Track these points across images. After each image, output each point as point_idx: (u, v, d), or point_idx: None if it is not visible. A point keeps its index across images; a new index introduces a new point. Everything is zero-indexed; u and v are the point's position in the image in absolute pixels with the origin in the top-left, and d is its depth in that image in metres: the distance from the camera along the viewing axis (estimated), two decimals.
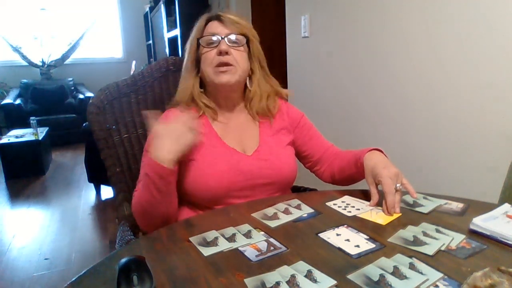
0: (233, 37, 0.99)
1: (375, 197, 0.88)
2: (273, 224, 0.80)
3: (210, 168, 0.95)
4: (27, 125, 3.99)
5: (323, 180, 1.13)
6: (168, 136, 0.88)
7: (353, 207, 0.87)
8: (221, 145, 0.99)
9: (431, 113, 1.39)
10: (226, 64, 0.97)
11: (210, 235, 0.76)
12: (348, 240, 0.72)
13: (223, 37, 0.97)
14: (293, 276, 0.61)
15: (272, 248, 0.70)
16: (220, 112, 1.05)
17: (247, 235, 0.75)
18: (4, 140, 3.68)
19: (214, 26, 1.00)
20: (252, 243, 0.72)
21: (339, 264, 0.64)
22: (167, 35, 4.29)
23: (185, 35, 3.68)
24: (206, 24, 1.02)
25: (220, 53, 0.96)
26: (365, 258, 0.66)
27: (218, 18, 1.00)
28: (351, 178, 1.03)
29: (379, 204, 0.87)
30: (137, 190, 0.97)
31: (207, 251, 0.69)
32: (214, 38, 0.98)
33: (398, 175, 0.86)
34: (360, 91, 1.77)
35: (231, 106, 1.05)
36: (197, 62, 1.03)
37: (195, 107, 1.03)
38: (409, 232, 0.74)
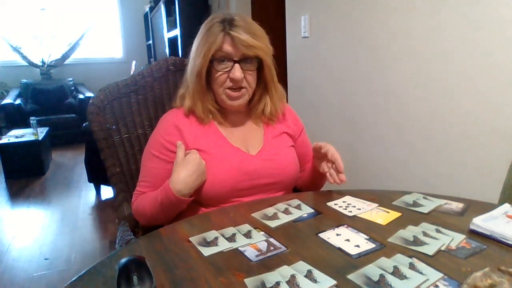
0: (247, 61, 0.95)
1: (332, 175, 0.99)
2: (273, 224, 0.80)
3: (215, 167, 0.95)
4: (27, 125, 3.99)
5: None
6: (185, 167, 0.91)
7: (354, 206, 0.87)
8: (226, 145, 1.00)
9: (431, 113, 1.39)
10: (239, 87, 0.96)
11: (210, 235, 0.76)
12: (348, 240, 0.72)
13: (236, 60, 0.94)
14: (293, 276, 0.61)
15: (272, 248, 0.70)
16: (226, 115, 1.05)
17: (247, 235, 0.75)
18: (4, 140, 3.68)
19: (228, 44, 0.93)
20: (252, 243, 0.72)
21: (339, 264, 0.64)
22: (167, 35, 4.29)
23: (185, 35, 3.70)
24: (218, 37, 0.93)
25: (233, 80, 0.95)
26: (365, 258, 0.66)
27: (231, 36, 0.92)
28: (313, 175, 1.09)
29: (379, 204, 0.87)
30: (139, 194, 0.99)
31: (207, 251, 0.69)
32: (227, 62, 0.94)
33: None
34: (360, 91, 1.77)
35: (236, 113, 1.06)
36: (208, 73, 0.97)
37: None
38: (409, 232, 0.74)
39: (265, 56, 0.97)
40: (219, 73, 0.95)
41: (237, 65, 0.94)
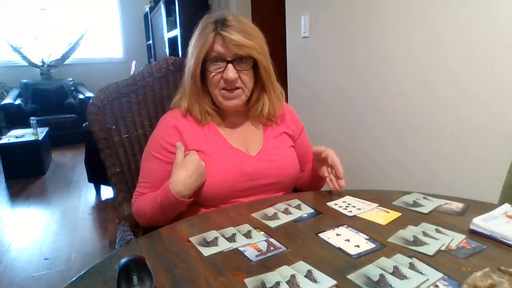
0: (240, 60, 0.94)
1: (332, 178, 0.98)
2: (273, 224, 0.80)
3: (215, 168, 0.95)
4: (27, 125, 3.99)
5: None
6: (184, 168, 0.90)
7: (354, 206, 0.87)
8: (225, 146, 1.00)
9: (431, 113, 1.39)
10: (234, 88, 0.96)
11: (210, 235, 0.76)
12: (348, 240, 0.72)
13: (229, 60, 0.93)
14: (293, 276, 0.61)
15: (272, 248, 0.70)
16: (225, 116, 1.05)
17: (247, 235, 0.75)
18: (4, 140, 3.68)
19: (219, 44, 0.93)
20: (252, 243, 0.72)
21: (339, 264, 0.64)
22: (167, 35, 4.29)
23: (185, 35, 3.70)
24: (209, 37, 0.93)
25: (226, 81, 0.94)
26: (365, 258, 0.66)
27: (222, 36, 0.92)
28: (313, 177, 1.09)
29: (379, 204, 0.87)
30: (138, 195, 0.99)
31: (207, 251, 0.69)
32: (221, 62, 0.93)
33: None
34: (360, 91, 1.77)
35: (235, 113, 1.05)
36: (202, 73, 0.98)
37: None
38: (409, 232, 0.74)
39: (259, 55, 0.95)
40: (213, 73, 0.95)
41: (230, 65, 0.93)
